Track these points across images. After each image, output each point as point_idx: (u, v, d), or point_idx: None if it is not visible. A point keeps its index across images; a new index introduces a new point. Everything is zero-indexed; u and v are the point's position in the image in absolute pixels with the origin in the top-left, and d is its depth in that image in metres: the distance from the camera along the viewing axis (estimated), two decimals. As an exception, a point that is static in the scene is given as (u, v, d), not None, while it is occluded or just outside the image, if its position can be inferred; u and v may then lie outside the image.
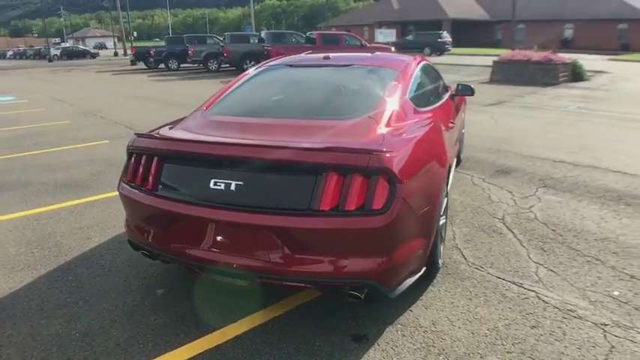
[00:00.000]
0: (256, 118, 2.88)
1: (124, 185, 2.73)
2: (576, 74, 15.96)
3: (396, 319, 2.69)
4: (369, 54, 4.11)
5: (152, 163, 2.56)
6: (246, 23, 66.89)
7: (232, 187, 2.28)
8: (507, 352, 2.41)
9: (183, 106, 11.07)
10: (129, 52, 39.84)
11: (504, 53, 17.20)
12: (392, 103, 2.89)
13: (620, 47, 35.92)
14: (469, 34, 46.45)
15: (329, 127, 2.63)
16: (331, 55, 3.64)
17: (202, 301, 2.88)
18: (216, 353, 2.42)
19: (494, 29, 47.19)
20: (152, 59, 22.81)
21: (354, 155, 2.21)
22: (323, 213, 2.17)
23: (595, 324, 2.64)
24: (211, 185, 2.32)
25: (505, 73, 16.55)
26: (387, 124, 2.69)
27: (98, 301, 2.91)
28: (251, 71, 3.62)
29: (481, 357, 2.38)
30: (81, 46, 61.28)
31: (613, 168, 5.52)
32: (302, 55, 4.13)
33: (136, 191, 2.62)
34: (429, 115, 3.33)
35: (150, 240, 2.62)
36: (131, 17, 50.00)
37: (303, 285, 2.37)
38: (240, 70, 20.23)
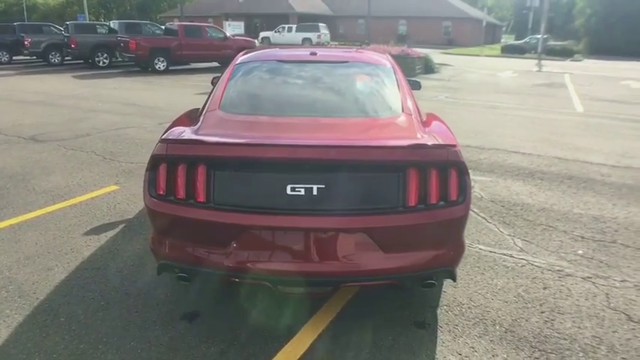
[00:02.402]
0: (295, 117, 2.74)
1: (156, 201, 2.36)
2: (428, 67, 18.04)
3: (438, 302, 2.88)
4: (349, 51, 4.16)
5: (197, 172, 2.26)
6: (71, 11, 59.58)
7: (314, 192, 2.19)
8: (542, 312, 2.79)
9: (45, 105, 9.60)
10: None
11: (369, 48, 18.47)
12: (410, 98, 3.05)
13: (447, 42, 41.41)
14: (315, 28, 48.66)
15: (378, 124, 2.68)
16: (317, 51, 3.61)
17: (246, 318, 2.68)
18: (300, 367, 2.32)
19: (336, 24, 50.17)
20: (-25, 51, 18.94)
21: (434, 151, 2.31)
22: (412, 209, 2.24)
23: (583, 278, 3.19)
24: (288, 191, 2.19)
25: (369, 67, 17.84)
26: (421, 119, 2.84)
27: (122, 341, 2.50)
28: (237, 66, 3.38)
29: (526, 320, 2.72)
30: None
31: (510, 149, 6.52)
32: (277, 50, 4.00)
33: (180, 206, 2.29)
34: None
35: (200, 259, 2.34)
36: None
37: (384, 283, 2.39)
38: (90, 64, 18.08)
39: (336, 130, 2.59)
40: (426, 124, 2.83)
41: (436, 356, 2.41)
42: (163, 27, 19.60)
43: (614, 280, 3.19)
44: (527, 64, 24.07)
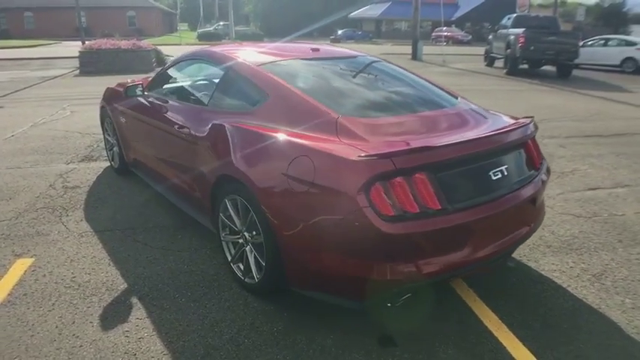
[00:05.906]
0: (423, 113, 2.94)
1: (393, 224, 2.15)
2: (160, 59, 17.44)
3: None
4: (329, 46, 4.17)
5: (422, 181, 2.23)
6: None
7: (505, 173, 2.56)
8: (542, 229, 3.84)
9: None
10: None
11: (91, 42, 16.33)
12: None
13: (135, 32, 39.50)
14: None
15: (476, 111, 3.10)
16: (320, 47, 3.68)
17: (425, 319, 2.71)
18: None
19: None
20: None
21: (531, 125, 2.94)
22: (539, 171, 2.86)
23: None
24: (493, 177, 2.48)
25: (97, 64, 15.98)
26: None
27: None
28: (267, 66, 3.18)
29: (544, 236, 3.75)
30: None
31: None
32: (268, 47, 3.79)
33: (419, 220, 2.21)
34: None
35: (437, 268, 2.34)
36: None
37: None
38: None
39: (468, 120, 2.91)
40: None
41: (548, 276, 3.16)
42: None
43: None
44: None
